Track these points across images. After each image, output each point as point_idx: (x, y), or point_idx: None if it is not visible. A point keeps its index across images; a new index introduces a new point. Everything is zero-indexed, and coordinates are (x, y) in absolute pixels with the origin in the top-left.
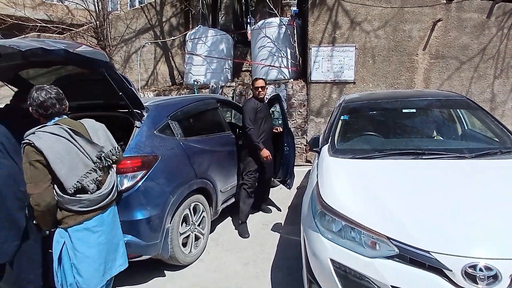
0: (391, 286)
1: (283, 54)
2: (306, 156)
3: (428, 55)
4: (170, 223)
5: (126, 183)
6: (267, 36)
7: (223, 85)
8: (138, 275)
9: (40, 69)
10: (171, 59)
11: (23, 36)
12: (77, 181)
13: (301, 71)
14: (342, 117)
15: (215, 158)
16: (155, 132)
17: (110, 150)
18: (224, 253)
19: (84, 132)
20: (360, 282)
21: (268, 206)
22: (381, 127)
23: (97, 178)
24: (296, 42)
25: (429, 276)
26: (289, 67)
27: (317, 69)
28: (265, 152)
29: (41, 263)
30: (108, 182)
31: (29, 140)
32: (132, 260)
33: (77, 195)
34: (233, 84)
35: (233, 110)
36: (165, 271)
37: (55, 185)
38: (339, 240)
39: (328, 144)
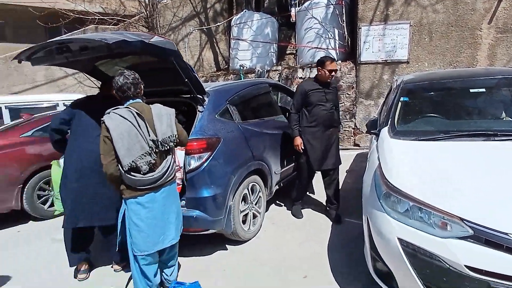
0: (465, 265)
1: (331, 35)
2: (354, 139)
3: (494, 29)
4: (232, 201)
5: (193, 164)
6: (314, 17)
7: (268, 69)
8: (204, 248)
9: (110, 60)
10: (215, 45)
11: (83, 29)
12: (132, 161)
13: (350, 52)
14: (402, 99)
15: (270, 141)
16: (216, 116)
17: (168, 137)
18: (280, 232)
19: (149, 117)
20: (430, 261)
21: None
22: (445, 108)
23: (150, 161)
24: (344, 22)
25: (507, 257)
26: (337, 48)
27: (367, 49)
28: (297, 140)
29: None
30: (162, 166)
31: (103, 119)
32: (199, 233)
33: (132, 173)
34: (279, 68)
35: (281, 94)
36: (226, 245)
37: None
38: (406, 220)
39: (388, 126)
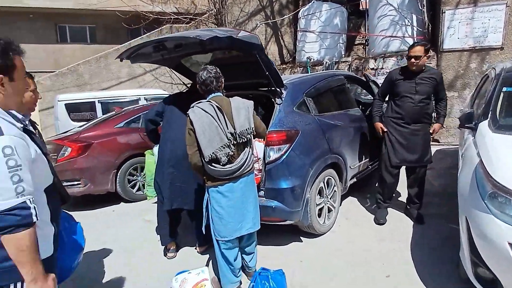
0: None
1: (408, 21)
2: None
3: None
4: (309, 194)
5: (273, 155)
6: (389, 3)
7: (337, 60)
8: (280, 238)
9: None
10: (280, 38)
11: (160, 28)
12: (213, 152)
13: (430, 40)
14: (504, 89)
15: (346, 134)
16: (294, 108)
17: (246, 129)
18: (355, 227)
19: (228, 110)
20: None
21: None
22: None
23: (228, 153)
24: (424, 7)
25: None
26: (415, 36)
27: (451, 36)
28: (377, 125)
29: None
30: (240, 158)
31: (188, 113)
32: (276, 223)
33: (212, 164)
34: (349, 59)
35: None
36: (301, 237)
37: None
38: None
39: (488, 119)
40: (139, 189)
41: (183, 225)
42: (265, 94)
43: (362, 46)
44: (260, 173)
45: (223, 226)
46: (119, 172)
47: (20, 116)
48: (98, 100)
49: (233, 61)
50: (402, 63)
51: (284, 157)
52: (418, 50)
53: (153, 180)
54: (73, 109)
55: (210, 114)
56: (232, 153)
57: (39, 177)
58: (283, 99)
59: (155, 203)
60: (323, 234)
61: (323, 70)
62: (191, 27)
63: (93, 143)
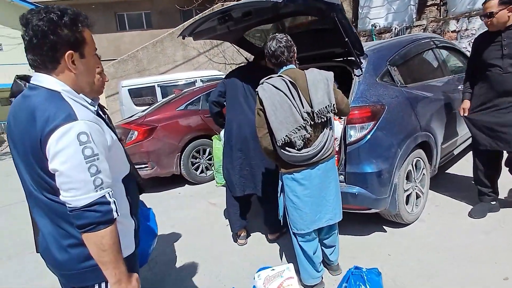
0: None
1: None
2: None
3: None
4: (397, 178)
5: (355, 135)
6: None
7: (408, 25)
8: (360, 228)
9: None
10: None
11: (212, 7)
12: (286, 135)
13: None
14: None
15: (437, 108)
16: (377, 80)
17: (325, 107)
18: (446, 216)
19: (303, 85)
20: None
21: None
22: None
23: (304, 135)
24: None
25: None
26: None
27: None
28: (464, 103)
29: None
30: (319, 141)
31: (257, 90)
32: (357, 212)
33: (286, 148)
34: (423, 22)
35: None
36: (384, 226)
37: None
38: None
39: None
40: (202, 172)
41: (253, 211)
42: (339, 65)
43: (436, 7)
44: (336, 155)
45: (299, 218)
46: (183, 154)
47: (89, 100)
48: (158, 84)
49: (301, 30)
50: None
51: (369, 136)
52: (490, 5)
53: (221, 166)
54: (135, 94)
55: (282, 91)
56: (309, 136)
57: (116, 166)
58: (363, 69)
59: (219, 186)
60: (410, 224)
61: (391, 37)
62: None
63: (157, 126)
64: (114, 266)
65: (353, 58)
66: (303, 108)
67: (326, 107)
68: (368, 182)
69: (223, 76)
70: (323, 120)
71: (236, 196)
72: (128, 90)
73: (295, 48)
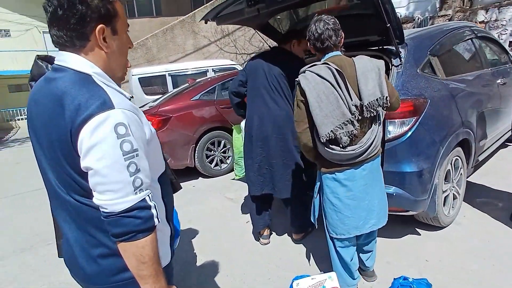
0: None
1: None
2: None
3: None
4: (437, 179)
5: (394, 130)
6: None
7: (431, 15)
8: (392, 229)
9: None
10: None
11: None
12: (331, 130)
13: None
14: None
15: (477, 103)
16: (418, 71)
17: (376, 99)
18: (484, 219)
19: (351, 74)
20: None
21: None
22: None
23: (352, 131)
24: None
25: None
26: None
27: None
28: None
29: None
30: (366, 138)
31: (298, 80)
32: (394, 214)
33: (330, 146)
34: (449, 12)
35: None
36: (417, 229)
37: (315, 129)
38: None
39: None
40: (216, 165)
41: (277, 208)
42: (376, 54)
43: None
44: None
45: (340, 222)
46: (197, 146)
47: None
48: (169, 73)
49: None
50: None
51: (410, 133)
52: None
53: (241, 158)
54: (146, 83)
55: (328, 81)
56: (356, 132)
57: (154, 163)
58: (403, 59)
59: (233, 179)
60: (445, 227)
61: (413, 27)
62: None
63: (171, 117)
64: (154, 280)
65: (390, 47)
66: (352, 100)
67: (377, 99)
68: (407, 182)
69: (235, 66)
70: (372, 114)
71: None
72: (139, 78)
73: (342, 33)
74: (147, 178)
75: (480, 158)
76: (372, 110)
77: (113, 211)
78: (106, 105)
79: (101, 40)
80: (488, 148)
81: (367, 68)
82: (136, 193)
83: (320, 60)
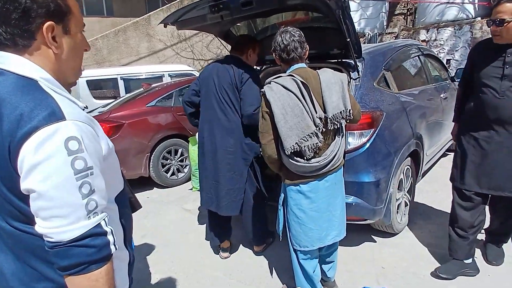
0: None
1: None
2: None
3: None
4: (392, 188)
5: (353, 142)
6: None
7: (379, 32)
8: (349, 238)
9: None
10: None
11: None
12: (296, 143)
13: None
14: None
15: (425, 115)
16: (374, 84)
17: (340, 112)
18: (432, 225)
19: (316, 87)
20: None
21: None
22: None
23: (316, 143)
24: None
25: None
26: (476, 1)
27: None
28: (453, 129)
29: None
30: (330, 150)
31: (263, 90)
32: (352, 223)
33: (295, 158)
34: (395, 30)
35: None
36: (373, 236)
37: (280, 141)
38: None
39: None
40: (173, 174)
41: (236, 221)
42: (335, 67)
43: (404, 16)
44: None
45: (304, 234)
46: (153, 155)
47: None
48: (121, 77)
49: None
50: (460, 34)
51: (368, 144)
52: (503, 9)
53: (197, 170)
54: (95, 86)
55: (293, 93)
56: (320, 145)
57: (111, 181)
58: (360, 73)
59: (190, 189)
60: (398, 233)
61: (364, 43)
62: None
63: (124, 123)
64: None
65: (348, 61)
66: (316, 113)
67: (341, 112)
68: (365, 192)
69: (193, 72)
70: (336, 127)
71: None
72: (87, 81)
73: (307, 45)
74: (103, 199)
75: (426, 167)
76: (336, 123)
77: (60, 240)
78: (55, 116)
79: (50, 39)
80: (433, 157)
81: (331, 81)
82: (89, 217)
83: (285, 72)
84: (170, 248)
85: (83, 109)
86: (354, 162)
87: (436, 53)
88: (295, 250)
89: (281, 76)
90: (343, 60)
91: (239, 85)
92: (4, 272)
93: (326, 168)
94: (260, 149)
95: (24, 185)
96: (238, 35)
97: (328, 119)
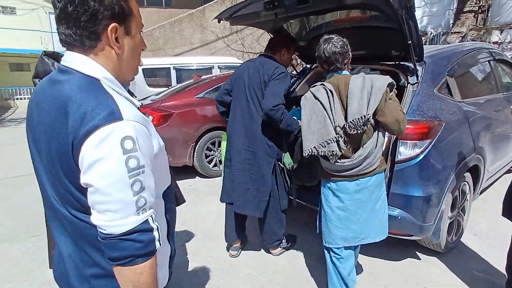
0: None
1: None
2: None
3: None
4: (444, 205)
5: (406, 152)
6: None
7: (444, 31)
8: (390, 251)
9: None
10: None
11: None
12: (314, 147)
13: None
14: None
15: (490, 128)
16: (434, 91)
17: (359, 118)
18: (486, 247)
19: (344, 93)
20: None
21: None
22: None
23: (334, 151)
24: None
25: None
26: None
27: None
28: None
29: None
30: (357, 155)
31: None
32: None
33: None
34: (462, 29)
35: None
36: (417, 252)
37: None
38: None
39: None
40: (215, 165)
41: (252, 220)
42: (389, 69)
43: (474, 14)
44: None
45: (328, 230)
46: (197, 145)
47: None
48: (173, 67)
49: (350, 25)
50: None
51: (422, 156)
52: None
53: None
54: (149, 74)
55: (320, 101)
56: (340, 153)
57: (160, 178)
58: (420, 77)
59: None
60: (447, 252)
61: (425, 43)
62: None
63: (174, 113)
64: None
65: (407, 63)
66: (336, 121)
67: (358, 119)
68: (414, 206)
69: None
70: (355, 132)
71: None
72: (143, 69)
73: (350, 53)
74: (151, 196)
75: (486, 184)
76: (354, 128)
77: (111, 233)
78: (114, 115)
79: (113, 40)
80: (495, 173)
81: (358, 87)
82: (138, 213)
83: (325, 78)
84: (208, 239)
85: (139, 108)
86: (404, 174)
87: (509, 57)
88: (326, 248)
89: (316, 85)
90: (402, 63)
91: (267, 84)
92: (62, 253)
93: (354, 170)
94: (283, 155)
95: (83, 179)
96: (272, 34)
97: (346, 125)
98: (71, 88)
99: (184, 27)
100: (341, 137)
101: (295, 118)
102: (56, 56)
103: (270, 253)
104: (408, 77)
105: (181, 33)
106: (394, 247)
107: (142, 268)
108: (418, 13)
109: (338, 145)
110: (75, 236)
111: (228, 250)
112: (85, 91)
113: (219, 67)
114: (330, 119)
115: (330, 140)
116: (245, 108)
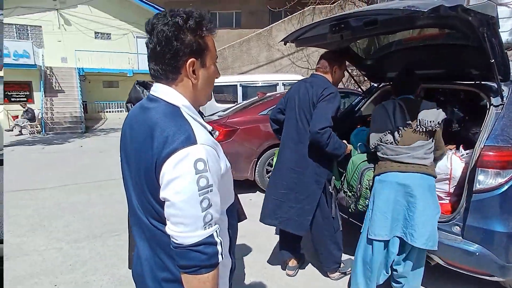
0: None
1: None
2: None
3: None
4: None
5: (486, 181)
6: None
7: None
8: (455, 284)
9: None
10: None
11: (302, 10)
12: (376, 141)
13: None
14: None
15: None
16: None
17: (431, 121)
18: None
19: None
20: None
21: None
22: None
23: (389, 141)
24: None
25: None
26: None
27: None
28: None
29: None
30: (406, 147)
31: None
32: (474, 275)
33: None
34: None
35: None
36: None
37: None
38: None
39: None
40: None
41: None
42: (468, 89)
43: None
44: (448, 198)
45: (380, 220)
46: (259, 160)
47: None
48: (240, 84)
49: (424, 43)
50: None
51: (507, 187)
52: None
53: None
54: (218, 90)
55: (386, 109)
56: (393, 143)
57: (224, 196)
58: (505, 99)
59: None
60: None
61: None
62: (334, 8)
63: (238, 129)
64: None
65: (491, 83)
66: (396, 123)
67: (430, 121)
68: (496, 243)
69: None
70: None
71: None
72: None
73: (420, 85)
74: (217, 213)
75: None
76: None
77: (182, 243)
78: (190, 140)
79: (191, 73)
80: None
81: (427, 110)
82: (205, 228)
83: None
84: (265, 254)
85: (210, 132)
86: (484, 205)
87: None
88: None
89: (388, 101)
90: (483, 82)
91: (315, 105)
92: (141, 256)
93: (401, 156)
94: (333, 176)
95: (162, 194)
96: (324, 51)
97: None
98: (157, 115)
99: (252, 46)
100: (398, 134)
101: (345, 142)
102: (145, 85)
103: (329, 276)
104: (491, 98)
105: (248, 51)
106: (459, 279)
107: (206, 278)
108: (507, 25)
109: (394, 137)
110: (152, 242)
111: (284, 269)
112: (168, 117)
113: (283, 84)
114: (391, 122)
115: (387, 131)
116: (294, 128)
